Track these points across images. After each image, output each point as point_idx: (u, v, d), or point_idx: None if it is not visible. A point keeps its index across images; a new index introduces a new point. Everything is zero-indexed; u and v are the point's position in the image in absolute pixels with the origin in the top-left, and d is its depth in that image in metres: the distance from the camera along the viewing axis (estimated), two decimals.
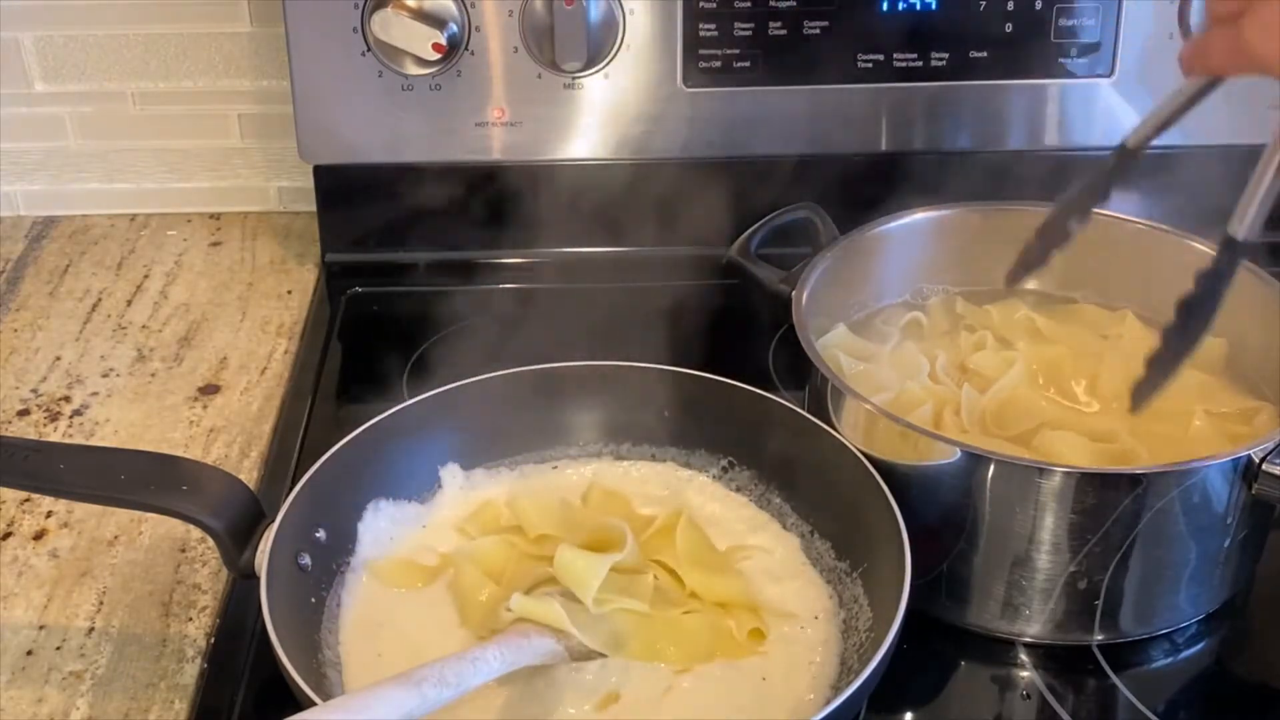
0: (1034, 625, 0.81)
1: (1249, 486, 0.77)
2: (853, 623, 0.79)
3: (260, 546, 0.76)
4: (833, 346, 0.93)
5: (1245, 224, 0.73)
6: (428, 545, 0.85)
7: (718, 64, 1.12)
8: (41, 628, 0.83)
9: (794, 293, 0.90)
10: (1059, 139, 1.16)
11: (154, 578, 0.87)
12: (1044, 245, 0.81)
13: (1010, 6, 1.10)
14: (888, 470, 0.80)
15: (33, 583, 0.87)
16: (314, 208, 1.20)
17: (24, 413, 1.02)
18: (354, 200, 1.19)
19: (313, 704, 0.65)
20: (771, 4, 1.10)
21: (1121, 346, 0.94)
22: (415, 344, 1.09)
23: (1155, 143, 1.15)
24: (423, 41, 1.07)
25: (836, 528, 0.84)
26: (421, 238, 1.20)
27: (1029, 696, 0.80)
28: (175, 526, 0.89)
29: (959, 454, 0.78)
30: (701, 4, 1.09)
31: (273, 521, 0.77)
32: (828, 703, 0.69)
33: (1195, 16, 1.10)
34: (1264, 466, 0.76)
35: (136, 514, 0.90)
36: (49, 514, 0.92)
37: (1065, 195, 0.79)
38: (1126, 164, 0.77)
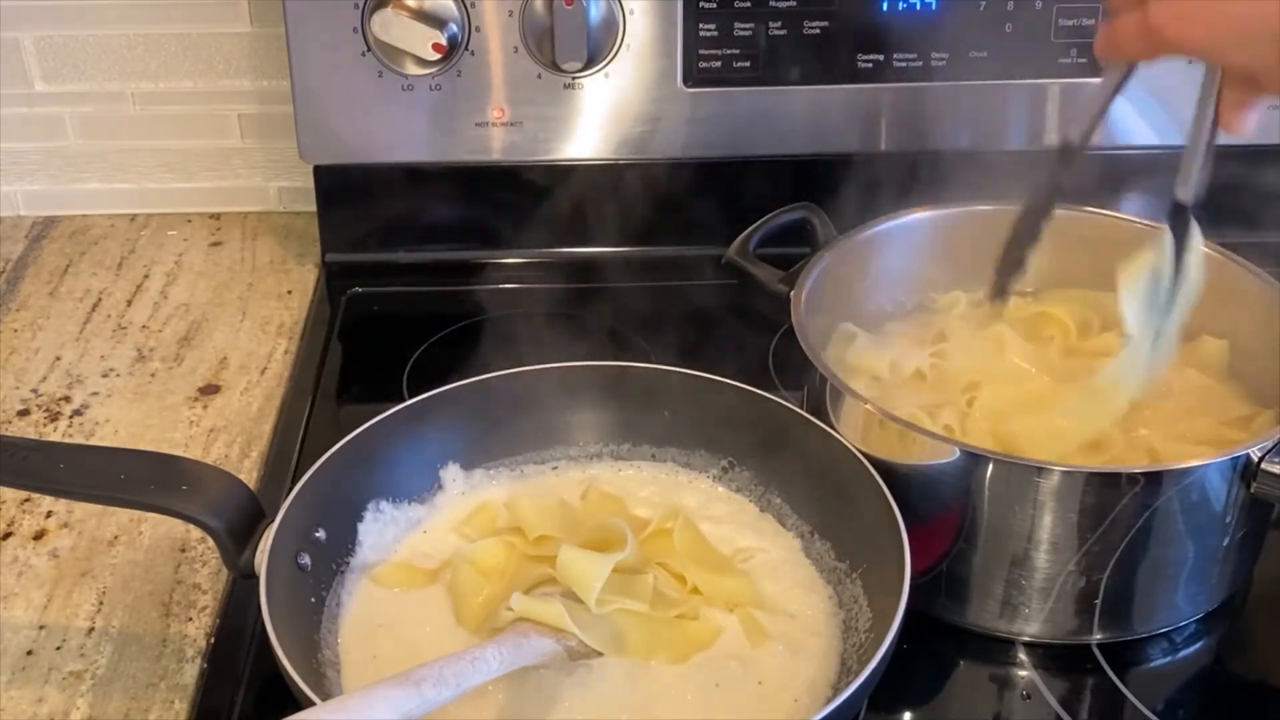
0: (1033, 625, 0.81)
1: (1248, 485, 0.77)
2: (852, 623, 0.79)
3: (260, 546, 0.76)
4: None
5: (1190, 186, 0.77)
6: (428, 547, 0.85)
7: (718, 64, 1.12)
8: (41, 628, 0.84)
9: (793, 292, 0.90)
10: (1059, 139, 1.16)
11: (154, 578, 0.87)
12: (1017, 252, 0.85)
13: (1010, 6, 1.10)
14: (887, 470, 0.80)
15: (33, 583, 0.87)
16: (314, 208, 1.20)
17: (24, 413, 1.02)
18: (354, 200, 1.19)
19: (312, 704, 0.65)
20: (771, 4, 1.10)
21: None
22: (415, 344, 1.09)
23: (1156, 143, 1.16)
24: (423, 41, 1.07)
25: (836, 528, 0.84)
26: (421, 238, 1.20)
27: (1029, 696, 0.80)
28: (175, 526, 0.89)
29: (958, 454, 0.78)
30: (701, 4, 1.09)
31: (272, 521, 0.77)
32: (828, 702, 0.70)
33: None
34: (1263, 465, 0.76)
35: (136, 514, 0.90)
36: (49, 514, 0.92)
37: (1025, 201, 0.83)
38: (1073, 159, 0.81)
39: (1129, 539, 0.77)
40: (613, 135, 1.15)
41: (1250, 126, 0.74)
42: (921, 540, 0.76)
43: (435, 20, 1.08)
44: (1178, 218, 0.79)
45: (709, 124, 1.15)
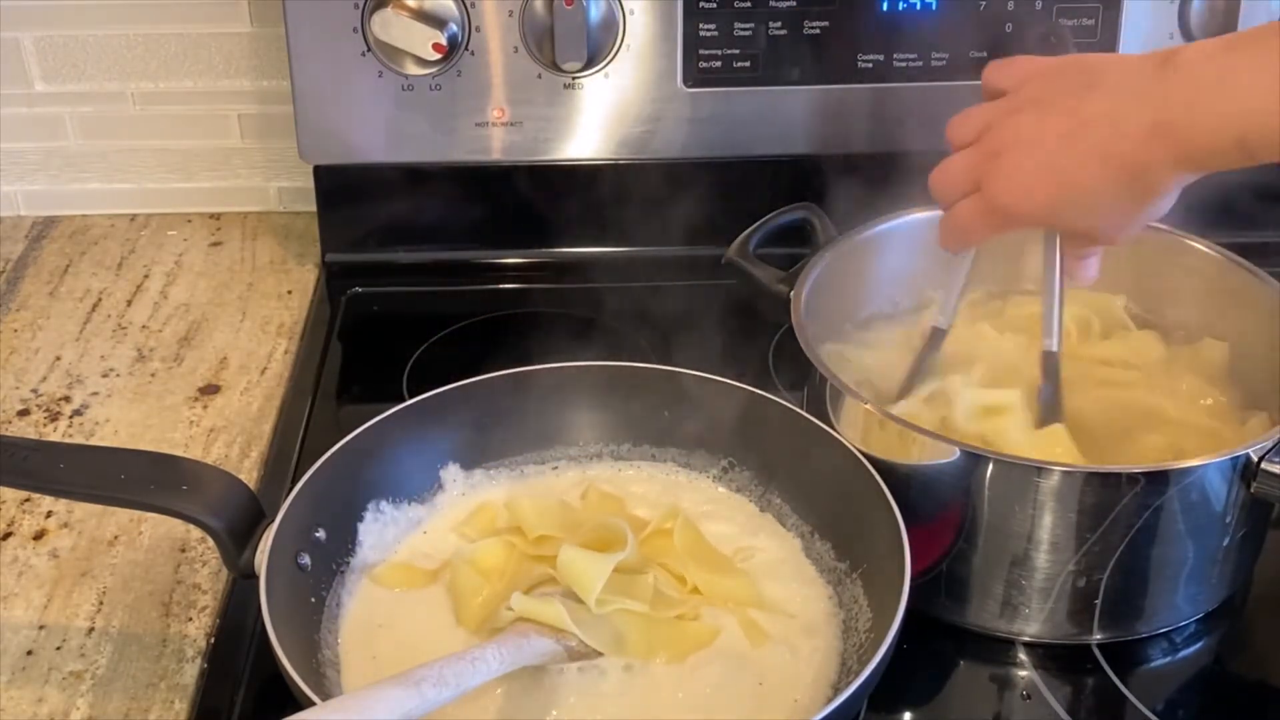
0: (1033, 625, 0.81)
1: (1247, 485, 0.77)
2: (852, 623, 0.79)
3: (260, 546, 0.76)
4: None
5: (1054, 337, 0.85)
6: (428, 547, 0.85)
7: (718, 64, 1.12)
8: (41, 628, 0.84)
9: (793, 293, 0.90)
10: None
11: (154, 578, 0.87)
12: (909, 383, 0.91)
13: (1010, 6, 1.10)
14: (887, 470, 0.80)
15: (33, 583, 0.87)
16: (314, 208, 1.20)
17: (24, 413, 1.02)
18: (354, 200, 1.19)
19: (312, 704, 0.65)
20: (771, 4, 1.10)
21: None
22: (415, 344, 1.09)
23: None
24: (423, 41, 1.07)
25: (837, 528, 0.84)
26: (421, 238, 1.20)
27: (1029, 696, 0.80)
28: (175, 526, 0.89)
29: (958, 454, 0.78)
30: (701, 4, 1.09)
31: (272, 521, 0.77)
32: (828, 703, 0.70)
33: (1195, 18, 1.10)
34: (1262, 465, 0.76)
35: (136, 514, 0.90)
36: (49, 514, 0.92)
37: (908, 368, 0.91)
38: (939, 340, 0.91)
39: (1129, 539, 0.77)
40: (613, 135, 1.15)
41: (1095, 274, 0.83)
42: (921, 540, 0.76)
43: (435, 20, 1.08)
44: (1049, 365, 0.86)
45: (709, 124, 1.15)
